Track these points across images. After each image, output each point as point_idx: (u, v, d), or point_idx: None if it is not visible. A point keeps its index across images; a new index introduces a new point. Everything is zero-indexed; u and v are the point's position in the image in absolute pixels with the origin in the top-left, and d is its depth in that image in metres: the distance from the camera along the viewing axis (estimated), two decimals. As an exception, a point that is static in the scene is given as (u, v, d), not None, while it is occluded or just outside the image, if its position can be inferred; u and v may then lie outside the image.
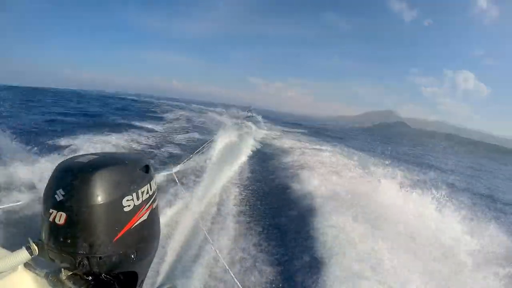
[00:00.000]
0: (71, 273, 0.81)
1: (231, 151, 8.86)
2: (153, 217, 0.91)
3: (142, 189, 0.85)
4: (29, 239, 0.80)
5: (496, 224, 5.26)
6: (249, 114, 27.09)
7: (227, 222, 4.30)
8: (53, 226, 0.76)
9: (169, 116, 19.19)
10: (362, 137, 34.09)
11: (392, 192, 6.21)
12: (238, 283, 1.38)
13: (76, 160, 0.83)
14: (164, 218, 3.86)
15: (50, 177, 0.81)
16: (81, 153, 4.47)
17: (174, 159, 7.07)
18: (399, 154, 20.12)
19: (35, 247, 0.79)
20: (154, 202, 0.91)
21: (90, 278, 0.82)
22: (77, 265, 0.77)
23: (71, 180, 0.77)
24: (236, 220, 4.45)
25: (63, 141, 7.65)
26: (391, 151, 19.44)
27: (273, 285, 3.12)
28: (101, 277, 0.82)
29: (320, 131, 28.91)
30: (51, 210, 0.77)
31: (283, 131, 21.04)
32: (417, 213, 5.26)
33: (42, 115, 13.35)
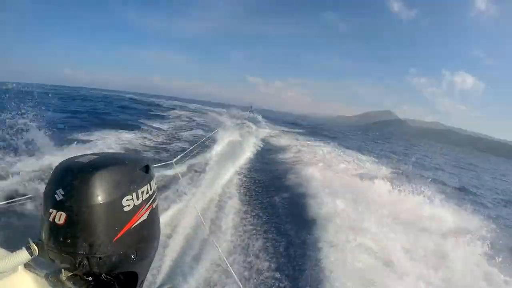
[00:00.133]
0: (71, 273, 0.81)
1: (232, 150, 8.91)
2: (153, 217, 0.91)
3: (142, 189, 0.86)
4: (29, 239, 0.80)
5: (469, 209, 6.35)
6: (251, 114, 27.04)
7: (228, 221, 4.31)
8: (53, 226, 0.76)
9: (171, 115, 19.94)
10: (359, 137, 34.81)
11: (381, 184, 7.27)
12: (239, 282, 1.29)
13: (76, 160, 0.83)
14: (164, 218, 3.86)
15: (50, 176, 0.82)
16: (99, 148, 5.05)
17: (175, 156, 7.11)
18: (392, 152, 21.29)
19: (35, 247, 0.79)
20: (154, 202, 0.92)
21: (90, 278, 0.82)
22: (77, 265, 0.78)
23: (71, 180, 0.77)
24: (236, 219, 4.46)
25: (84, 136, 8.31)
26: (385, 150, 20.61)
27: (274, 285, 3.14)
28: (101, 277, 0.83)
29: (318, 130, 29.61)
30: (51, 210, 0.77)
31: (283, 131, 21.37)
32: (400, 199, 6.35)
33: (60, 112, 14.18)
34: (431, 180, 9.93)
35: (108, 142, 8.28)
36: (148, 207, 0.87)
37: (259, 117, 26.62)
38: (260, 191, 6.08)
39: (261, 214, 4.82)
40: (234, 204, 4.98)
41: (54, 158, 5.69)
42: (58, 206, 0.76)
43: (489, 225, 5.69)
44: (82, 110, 16.69)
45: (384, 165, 11.20)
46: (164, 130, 12.58)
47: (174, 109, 26.58)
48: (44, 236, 0.79)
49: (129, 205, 0.81)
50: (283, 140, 15.26)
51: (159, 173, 4.73)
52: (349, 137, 30.27)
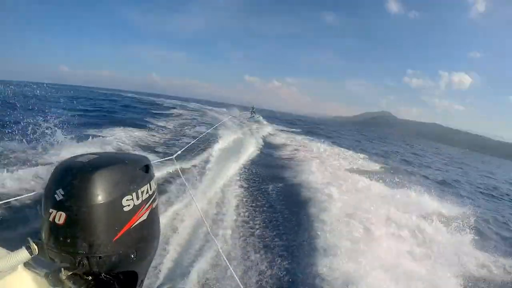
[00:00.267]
0: (71, 272, 0.81)
1: (233, 148, 9.06)
2: (153, 216, 0.91)
3: (142, 189, 0.86)
4: (29, 238, 0.80)
5: (439, 196, 7.35)
6: (253, 114, 26.64)
7: (229, 220, 4.32)
8: (53, 226, 0.76)
9: (174, 114, 20.69)
10: (355, 137, 35.50)
11: (370, 177, 8.25)
12: (239, 282, 1.37)
13: (76, 160, 0.83)
14: (164, 218, 3.87)
15: (50, 176, 0.82)
16: (111, 144, 5.44)
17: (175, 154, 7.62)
18: (384, 151, 22.25)
19: (35, 247, 0.79)
20: (154, 202, 0.92)
21: (90, 277, 0.82)
22: (77, 264, 0.78)
23: (71, 179, 0.77)
24: (237, 217, 4.48)
25: (99, 133, 8.76)
26: (377, 149, 21.58)
27: (275, 284, 3.16)
28: (101, 276, 0.83)
29: (313, 130, 30.37)
30: (50, 210, 0.77)
31: (281, 130, 21.82)
32: (385, 188, 7.36)
33: (70, 110, 14.94)
34: (415, 175, 10.99)
35: (122, 139, 8.79)
36: (148, 207, 0.88)
37: (260, 118, 26.61)
38: (261, 189, 6.12)
39: (262, 212, 4.84)
40: (234, 203, 4.99)
41: (77, 149, 6.25)
42: (58, 206, 0.76)
43: (457, 208, 6.71)
44: (90, 109, 17.41)
45: (375, 161, 12.23)
46: (170, 128, 13.38)
47: (174, 108, 26.82)
48: (44, 235, 0.79)
49: (129, 205, 0.82)
50: (282, 139, 15.89)
51: (159, 169, 4.71)
52: (344, 136, 30.91)
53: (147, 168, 0.91)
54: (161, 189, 4.63)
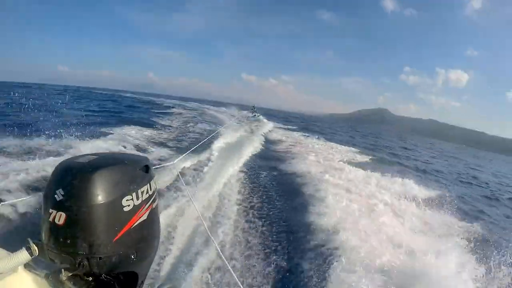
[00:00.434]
0: (71, 273, 0.80)
1: (232, 149, 9.04)
2: (153, 217, 0.91)
3: (142, 189, 0.86)
4: (29, 239, 0.80)
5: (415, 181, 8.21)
6: (254, 113, 26.43)
7: (229, 221, 4.34)
8: (53, 226, 0.76)
9: (175, 113, 21.48)
10: (349, 133, 36.27)
11: (358, 167, 9.21)
12: (239, 283, 1.33)
13: (76, 160, 0.83)
14: (164, 218, 3.88)
15: (50, 177, 0.82)
16: (127, 141, 5.57)
17: (176, 155, 7.10)
18: (374, 145, 23.32)
19: (35, 248, 0.79)
20: (154, 202, 0.92)
21: (90, 278, 0.82)
22: (77, 265, 0.77)
23: (71, 180, 0.77)
24: (236, 218, 4.50)
25: (111, 131, 9.29)
26: (368, 143, 22.60)
27: (274, 284, 3.16)
28: (101, 277, 0.82)
29: (309, 127, 31.12)
30: (50, 210, 0.76)
31: (278, 127, 22.21)
32: (369, 175, 8.23)
33: (79, 110, 15.76)
34: (400, 165, 12.14)
35: (135, 136, 9.36)
36: (148, 207, 0.88)
37: (262, 117, 26.26)
38: (260, 188, 6.14)
39: (261, 213, 4.88)
40: (234, 204, 5.02)
41: (94, 144, 7.09)
42: (58, 206, 0.76)
43: (429, 190, 7.79)
44: (97, 109, 18.03)
45: (364, 154, 13.35)
46: (175, 126, 14.27)
47: (174, 107, 27.39)
48: (44, 236, 0.79)
49: (129, 205, 0.82)
50: (279, 135, 16.50)
51: (159, 174, 4.75)
52: (338, 133, 31.16)
53: (147, 168, 0.92)
54: (161, 189, 4.60)
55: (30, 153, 5.60)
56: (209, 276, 3.04)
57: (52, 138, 6.83)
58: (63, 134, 7.35)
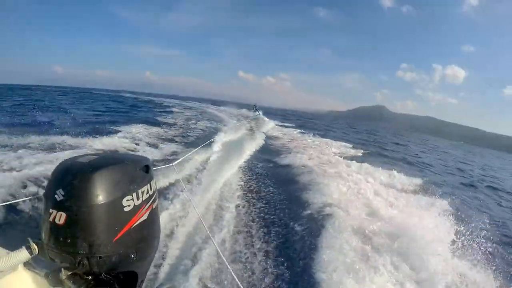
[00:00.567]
0: (71, 272, 0.81)
1: (233, 149, 9.08)
2: (153, 217, 0.92)
3: (142, 189, 0.87)
4: (29, 239, 0.80)
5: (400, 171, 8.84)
6: (256, 113, 25.98)
7: (229, 221, 4.36)
8: (53, 226, 0.76)
9: (177, 112, 22.14)
10: (345, 130, 36.80)
11: (349, 159, 10.05)
12: (239, 283, 1.30)
13: (76, 160, 0.83)
14: (164, 218, 3.90)
15: (50, 177, 0.82)
16: (139, 138, 5.99)
17: (175, 156, 7.25)
18: (366, 140, 23.90)
19: (35, 247, 0.79)
20: (154, 202, 0.93)
21: (90, 277, 0.82)
22: (77, 264, 0.78)
23: (71, 180, 0.77)
24: (237, 218, 4.53)
25: (121, 129, 9.79)
26: (362, 139, 23.43)
27: (274, 284, 3.16)
28: (101, 277, 0.83)
29: (306, 124, 31.43)
30: (51, 210, 0.77)
31: (277, 125, 22.47)
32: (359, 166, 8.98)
33: (86, 110, 16.54)
34: (388, 158, 13.11)
35: (145, 133, 9.80)
36: (148, 207, 0.89)
37: (264, 116, 25.71)
38: (260, 188, 6.19)
39: (261, 212, 4.92)
40: (234, 204, 5.05)
41: (108, 141, 7.63)
42: (58, 206, 0.76)
43: (411, 178, 8.69)
44: (103, 109, 18.79)
45: (356, 148, 14.27)
46: (179, 124, 15.11)
47: (174, 106, 27.97)
48: (44, 236, 0.79)
49: (129, 205, 0.82)
50: (279, 133, 17.02)
51: (159, 176, 4.82)
52: (333, 130, 31.37)
53: (147, 169, 0.92)
54: (161, 189, 4.65)
55: (53, 148, 6.23)
56: (209, 276, 3.07)
57: (71, 136, 7.44)
58: (80, 131, 7.92)
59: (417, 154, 20.54)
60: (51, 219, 0.77)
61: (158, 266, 3.05)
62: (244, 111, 30.49)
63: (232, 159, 7.52)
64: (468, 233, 4.41)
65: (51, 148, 6.18)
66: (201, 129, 14.00)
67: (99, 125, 10.40)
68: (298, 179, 7.05)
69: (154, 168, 0.97)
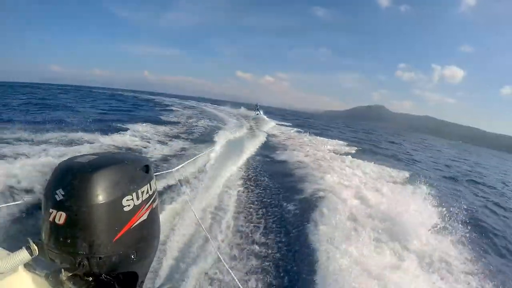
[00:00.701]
0: (71, 273, 0.81)
1: (232, 150, 8.95)
2: (153, 217, 0.92)
3: (142, 189, 0.87)
4: (29, 239, 0.80)
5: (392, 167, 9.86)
6: (257, 112, 26.07)
7: (228, 222, 4.37)
8: (53, 226, 0.76)
9: (178, 110, 22.77)
10: (341, 129, 36.71)
11: (343, 154, 11.01)
12: (239, 283, 1.34)
13: (76, 160, 0.83)
14: (164, 218, 3.90)
15: (50, 177, 0.82)
16: (147, 137, 6.46)
17: (176, 157, 7.37)
18: (360, 138, 24.74)
19: (35, 247, 0.79)
20: (154, 202, 0.92)
21: (90, 278, 0.82)
22: (77, 265, 0.78)
23: (71, 180, 0.77)
24: (236, 219, 4.54)
25: (128, 126, 10.15)
26: (358, 137, 24.16)
27: (273, 285, 3.16)
28: (101, 278, 0.82)
29: (304, 124, 31.93)
30: (51, 210, 0.77)
31: (277, 124, 22.71)
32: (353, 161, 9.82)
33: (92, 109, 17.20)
34: (380, 155, 13.94)
35: (151, 131, 10.27)
36: (148, 207, 0.89)
37: (265, 116, 25.31)
38: (259, 188, 6.20)
39: (261, 213, 4.92)
40: (233, 204, 5.06)
41: (120, 138, 8.21)
42: (58, 206, 0.76)
43: (398, 172, 9.52)
44: (107, 108, 19.27)
45: (350, 146, 15.08)
46: (182, 122, 15.82)
47: (173, 105, 28.49)
48: (44, 236, 0.79)
49: (129, 205, 0.82)
50: (278, 132, 17.58)
51: (159, 181, 4.80)
52: (330, 129, 31.80)
53: (147, 168, 0.92)
54: (160, 189, 4.66)
55: (72, 143, 6.74)
56: (208, 276, 3.07)
57: (87, 132, 8.02)
58: (92, 129, 8.38)
59: (408, 152, 21.23)
60: (51, 219, 0.77)
61: (158, 266, 3.06)
62: (242, 110, 30.89)
63: (232, 159, 7.59)
64: (441, 218, 4.99)
65: (71, 143, 6.72)
66: (202, 127, 14.72)
67: (108, 123, 10.92)
68: (294, 172, 7.64)
69: (154, 174, 0.97)
